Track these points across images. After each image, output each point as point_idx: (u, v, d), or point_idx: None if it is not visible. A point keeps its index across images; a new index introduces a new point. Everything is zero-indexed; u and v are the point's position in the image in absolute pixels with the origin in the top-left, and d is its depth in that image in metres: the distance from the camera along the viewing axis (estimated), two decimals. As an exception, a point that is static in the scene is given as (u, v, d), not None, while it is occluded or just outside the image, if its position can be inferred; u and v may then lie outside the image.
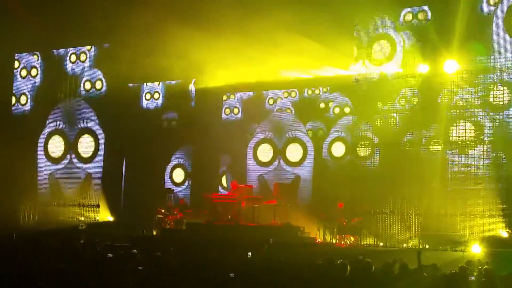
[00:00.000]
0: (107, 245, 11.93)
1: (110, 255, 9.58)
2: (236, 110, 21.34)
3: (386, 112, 16.94)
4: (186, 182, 20.88)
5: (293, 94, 20.76)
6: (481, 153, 15.65)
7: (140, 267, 7.98)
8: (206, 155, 20.45)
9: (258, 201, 17.32)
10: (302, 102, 20.47)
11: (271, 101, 20.88)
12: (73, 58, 22.15)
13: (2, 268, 7.66)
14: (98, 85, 21.72)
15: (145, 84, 22.12)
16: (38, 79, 22.70)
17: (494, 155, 15.54)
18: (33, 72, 22.73)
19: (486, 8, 15.70)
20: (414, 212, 16.07)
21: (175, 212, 18.21)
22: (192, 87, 21.67)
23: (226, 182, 20.39)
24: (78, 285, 6.66)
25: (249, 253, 12.25)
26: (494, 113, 15.59)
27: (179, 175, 21.18)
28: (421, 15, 16.62)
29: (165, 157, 21.32)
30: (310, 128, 20.17)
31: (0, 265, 7.85)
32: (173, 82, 21.89)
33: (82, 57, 22.04)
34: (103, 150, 21.32)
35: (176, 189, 20.70)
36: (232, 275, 7.95)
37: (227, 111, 21.44)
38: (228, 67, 18.55)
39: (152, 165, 21.03)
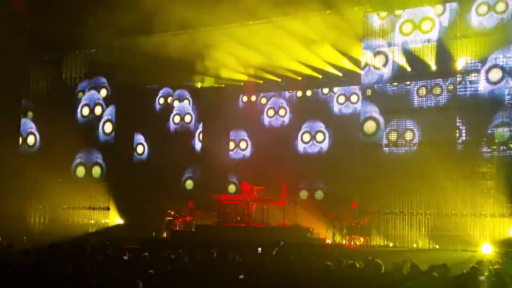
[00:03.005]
0: (118, 247, 11.96)
1: (125, 257, 9.64)
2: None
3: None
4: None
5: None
6: (491, 152, 15.58)
7: (151, 271, 8.01)
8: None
9: (267, 202, 17.32)
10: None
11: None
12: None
13: (13, 271, 7.72)
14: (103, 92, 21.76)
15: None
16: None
17: (504, 154, 15.48)
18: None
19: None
20: (424, 212, 16.02)
21: (184, 214, 18.27)
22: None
23: None
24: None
25: (259, 249, 12.28)
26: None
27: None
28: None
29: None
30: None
31: (11, 269, 7.90)
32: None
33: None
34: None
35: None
36: (241, 276, 7.97)
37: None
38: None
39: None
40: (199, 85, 22.32)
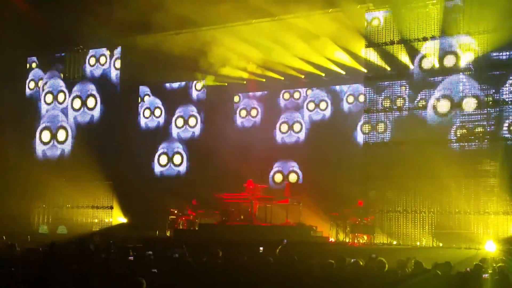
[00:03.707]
0: (122, 246, 11.97)
1: (130, 257, 9.67)
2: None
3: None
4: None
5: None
6: (495, 149, 15.55)
7: (154, 270, 8.02)
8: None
9: (270, 200, 17.32)
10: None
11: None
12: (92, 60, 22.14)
13: (20, 270, 7.74)
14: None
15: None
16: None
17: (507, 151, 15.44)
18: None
19: None
20: (427, 210, 15.99)
21: (188, 213, 18.28)
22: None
23: None
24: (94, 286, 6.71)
25: (261, 248, 12.28)
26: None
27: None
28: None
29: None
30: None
31: (17, 267, 7.92)
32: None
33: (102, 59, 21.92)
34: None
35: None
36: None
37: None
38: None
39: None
40: (201, 83, 22.35)
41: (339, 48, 18.57)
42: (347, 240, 16.12)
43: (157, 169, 22.67)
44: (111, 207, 20.63)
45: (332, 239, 16.37)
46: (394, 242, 16.12)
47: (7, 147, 21.19)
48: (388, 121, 16.96)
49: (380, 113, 17.02)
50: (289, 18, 17.87)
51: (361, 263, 8.91)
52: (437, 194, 15.78)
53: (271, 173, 21.17)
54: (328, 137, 20.34)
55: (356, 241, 15.95)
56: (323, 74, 20.04)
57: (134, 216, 20.51)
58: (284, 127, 21.64)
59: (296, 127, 21.46)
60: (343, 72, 19.63)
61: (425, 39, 16.45)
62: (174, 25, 18.52)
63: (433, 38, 16.36)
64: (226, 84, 21.78)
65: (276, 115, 21.80)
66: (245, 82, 21.48)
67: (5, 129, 21.58)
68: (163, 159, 22.66)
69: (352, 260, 9.15)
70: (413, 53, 16.66)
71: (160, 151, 22.72)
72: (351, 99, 20.64)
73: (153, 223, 18.87)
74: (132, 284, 6.55)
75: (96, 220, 20.80)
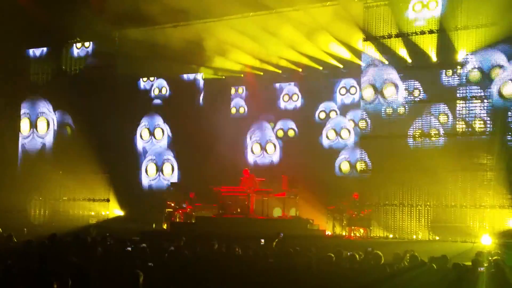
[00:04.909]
0: (118, 239, 11.96)
1: (128, 248, 9.67)
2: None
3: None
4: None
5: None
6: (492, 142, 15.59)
7: (150, 263, 8.02)
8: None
9: (267, 193, 17.33)
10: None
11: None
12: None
13: (16, 263, 7.73)
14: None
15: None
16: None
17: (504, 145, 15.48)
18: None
19: None
20: (423, 204, 16.03)
21: (185, 206, 18.27)
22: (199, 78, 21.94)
23: None
24: (91, 279, 6.72)
25: (262, 240, 12.30)
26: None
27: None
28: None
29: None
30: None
31: (14, 261, 7.92)
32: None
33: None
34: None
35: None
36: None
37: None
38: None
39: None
40: (198, 76, 22.29)
41: (338, 41, 18.53)
42: (344, 233, 16.15)
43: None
44: (108, 200, 20.62)
45: (328, 232, 16.40)
46: (391, 236, 16.17)
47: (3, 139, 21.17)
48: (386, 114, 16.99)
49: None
50: (287, 11, 17.83)
51: (357, 257, 8.94)
52: (434, 188, 15.82)
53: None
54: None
55: (352, 234, 15.98)
56: (321, 68, 20.01)
57: (131, 209, 20.52)
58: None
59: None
60: (341, 66, 19.61)
61: (422, 33, 16.44)
62: (172, 18, 18.46)
63: (430, 31, 16.35)
64: (224, 77, 21.72)
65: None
66: (242, 75, 21.44)
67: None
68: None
69: (349, 253, 9.17)
70: (411, 46, 16.66)
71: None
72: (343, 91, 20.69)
73: (149, 216, 18.88)
74: (129, 277, 6.55)
75: (92, 213, 20.79)
